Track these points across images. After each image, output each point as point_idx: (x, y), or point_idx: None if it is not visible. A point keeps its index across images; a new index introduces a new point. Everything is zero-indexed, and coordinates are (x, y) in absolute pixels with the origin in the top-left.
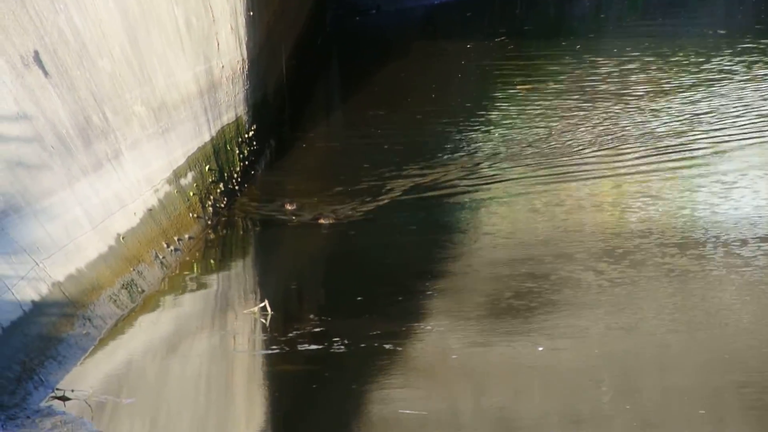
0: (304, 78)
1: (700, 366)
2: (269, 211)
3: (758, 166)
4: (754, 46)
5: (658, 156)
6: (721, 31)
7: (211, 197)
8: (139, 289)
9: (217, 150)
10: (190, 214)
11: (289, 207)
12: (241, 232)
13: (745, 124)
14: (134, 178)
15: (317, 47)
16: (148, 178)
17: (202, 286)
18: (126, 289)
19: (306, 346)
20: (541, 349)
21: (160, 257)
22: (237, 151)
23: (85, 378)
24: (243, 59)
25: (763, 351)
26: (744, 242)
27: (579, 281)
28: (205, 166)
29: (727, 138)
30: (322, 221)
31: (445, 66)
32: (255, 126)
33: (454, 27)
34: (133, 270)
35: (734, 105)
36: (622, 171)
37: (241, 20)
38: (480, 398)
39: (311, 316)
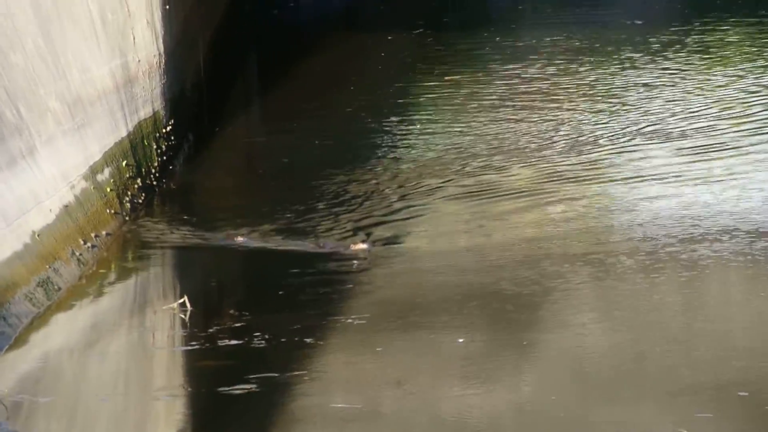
0: (222, 72)
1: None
2: (188, 206)
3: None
4: (673, 36)
5: (580, 161)
6: (639, 21)
7: (129, 193)
8: (56, 287)
9: (135, 145)
10: (108, 210)
11: (239, 239)
12: (160, 228)
13: (667, 125)
14: (49, 174)
15: (235, 41)
16: (64, 175)
17: (120, 282)
18: (42, 287)
19: (226, 342)
20: (461, 341)
21: (77, 254)
22: (155, 146)
23: (1, 378)
24: (160, 53)
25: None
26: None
27: (501, 283)
28: (122, 161)
29: (650, 138)
30: (359, 246)
31: (365, 59)
32: (173, 121)
33: (373, 19)
34: (49, 267)
35: (658, 103)
36: (555, 177)
37: (157, 14)
38: (405, 389)
39: (232, 311)
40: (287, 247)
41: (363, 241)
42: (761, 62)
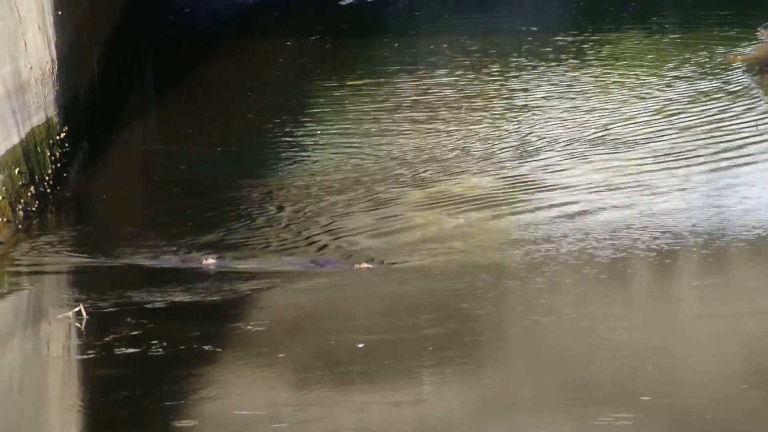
0: (117, 78)
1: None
2: (83, 215)
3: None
4: (570, 42)
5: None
6: (534, 28)
7: (22, 201)
8: None
9: (27, 152)
10: (0, 219)
11: (209, 261)
12: (54, 237)
13: (574, 133)
14: None
15: (131, 47)
16: None
17: (12, 292)
18: None
19: (123, 350)
20: (361, 346)
21: None
22: (48, 154)
23: None
24: (52, 59)
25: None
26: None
27: (394, 289)
28: (15, 169)
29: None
30: (364, 265)
31: (263, 65)
32: (67, 128)
33: (271, 26)
34: None
35: (564, 112)
36: (465, 187)
37: (50, 19)
38: (306, 394)
39: (129, 319)
40: (275, 267)
41: (367, 261)
42: (666, 69)
